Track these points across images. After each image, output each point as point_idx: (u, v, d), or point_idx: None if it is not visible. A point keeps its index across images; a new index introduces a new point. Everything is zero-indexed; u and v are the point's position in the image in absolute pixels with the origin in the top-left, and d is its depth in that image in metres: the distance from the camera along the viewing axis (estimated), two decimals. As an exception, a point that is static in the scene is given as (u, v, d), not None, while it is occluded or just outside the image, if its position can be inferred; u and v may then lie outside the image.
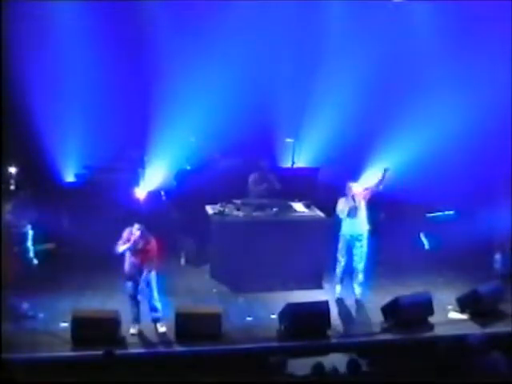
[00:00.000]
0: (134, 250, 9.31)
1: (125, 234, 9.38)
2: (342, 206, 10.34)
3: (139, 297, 9.37)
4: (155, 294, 9.43)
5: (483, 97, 12.55)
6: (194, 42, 12.77)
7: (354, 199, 10.33)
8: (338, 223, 10.54)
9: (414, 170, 12.63)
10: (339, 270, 10.60)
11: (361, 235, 10.40)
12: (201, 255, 11.59)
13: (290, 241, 10.90)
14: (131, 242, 9.29)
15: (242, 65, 12.85)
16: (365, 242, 10.45)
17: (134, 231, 9.32)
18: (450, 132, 12.72)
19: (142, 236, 9.31)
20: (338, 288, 10.66)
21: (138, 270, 9.33)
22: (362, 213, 10.40)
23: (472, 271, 11.48)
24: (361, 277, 10.57)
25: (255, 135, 13.10)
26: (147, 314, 9.46)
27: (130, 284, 9.36)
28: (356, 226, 10.37)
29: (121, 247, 9.31)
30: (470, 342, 7.99)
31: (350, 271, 10.60)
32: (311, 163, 13.66)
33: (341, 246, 10.51)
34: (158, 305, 9.45)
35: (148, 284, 9.37)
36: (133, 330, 9.33)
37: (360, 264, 10.48)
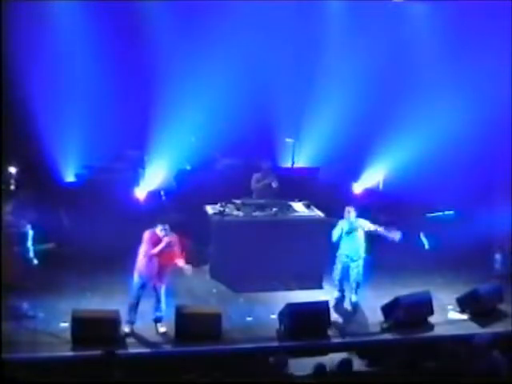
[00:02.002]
0: (160, 252, 9.23)
1: (146, 236, 9.25)
2: (338, 230, 10.32)
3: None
4: (163, 296, 9.41)
5: (483, 97, 12.57)
6: (194, 42, 12.78)
7: (351, 224, 10.27)
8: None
9: (413, 170, 12.65)
10: (336, 288, 10.58)
11: (357, 257, 10.33)
12: (201, 255, 11.58)
13: (290, 241, 10.91)
14: (164, 243, 9.19)
15: (242, 65, 12.86)
16: (361, 263, 10.36)
17: (159, 232, 9.24)
18: (449, 132, 12.73)
19: (168, 236, 9.25)
20: (337, 294, 10.63)
21: (157, 273, 9.26)
22: (361, 239, 10.31)
23: (472, 271, 11.49)
24: (355, 291, 10.50)
25: (255, 135, 13.12)
26: (148, 313, 9.46)
27: (140, 287, 9.29)
28: (353, 248, 10.31)
29: (154, 250, 9.18)
30: (475, 342, 8.00)
31: (347, 285, 10.55)
32: (311, 163, 13.68)
33: (336, 266, 10.47)
34: (164, 306, 9.44)
35: (159, 288, 9.36)
36: (127, 329, 9.29)
37: (356, 283, 10.42)
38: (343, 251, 10.37)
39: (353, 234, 10.27)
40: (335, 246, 10.47)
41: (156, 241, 9.24)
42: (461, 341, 8.42)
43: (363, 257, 10.38)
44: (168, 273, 9.42)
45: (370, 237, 10.50)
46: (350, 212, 10.29)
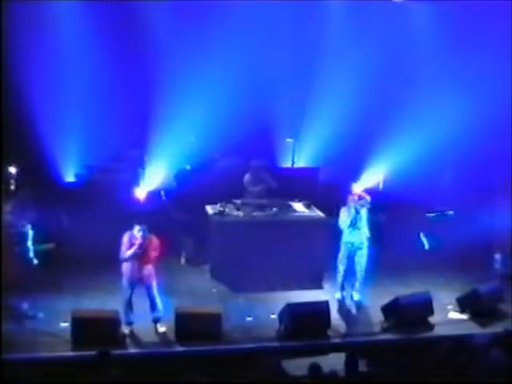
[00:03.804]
0: (138, 253, 9.24)
1: (125, 239, 9.27)
2: (344, 217, 10.35)
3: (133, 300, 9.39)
4: (157, 296, 9.42)
5: (483, 97, 12.55)
6: (194, 42, 12.76)
7: (356, 210, 10.32)
8: (338, 226, 10.54)
9: (413, 170, 12.64)
10: (339, 278, 10.62)
11: (362, 243, 10.44)
12: (201, 255, 11.58)
13: (290, 241, 10.91)
14: (136, 246, 9.20)
15: (241, 65, 12.85)
16: (365, 251, 10.48)
17: (136, 234, 9.25)
18: (449, 132, 12.72)
19: (144, 238, 9.24)
20: (338, 294, 10.67)
21: (139, 274, 9.27)
22: (363, 221, 10.39)
23: (472, 271, 11.49)
24: (358, 284, 10.59)
25: (255, 135, 13.10)
26: (147, 313, 9.46)
27: (128, 288, 9.32)
28: (358, 234, 10.39)
29: (127, 253, 9.21)
30: (475, 341, 8.00)
31: (350, 278, 10.61)
32: (311, 163, 13.67)
33: (341, 254, 10.52)
34: (160, 305, 9.45)
35: (149, 287, 9.37)
36: (126, 330, 9.31)
37: (361, 272, 10.52)
38: (348, 239, 10.42)
39: (357, 222, 10.31)
40: (338, 238, 10.51)
41: (134, 242, 9.26)
42: (461, 341, 8.40)
43: (367, 245, 10.45)
44: (151, 272, 9.39)
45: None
46: (355, 197, 10.36)
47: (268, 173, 11.98)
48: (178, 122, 12.55)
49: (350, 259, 10.50)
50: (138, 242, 9.21)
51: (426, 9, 13.85)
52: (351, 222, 10.32)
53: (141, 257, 9.26)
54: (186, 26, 12.83)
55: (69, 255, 11.04)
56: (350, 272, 10.58)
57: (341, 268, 10.55)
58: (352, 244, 10.43)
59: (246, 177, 11.80)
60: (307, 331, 9.45)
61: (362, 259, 10.47)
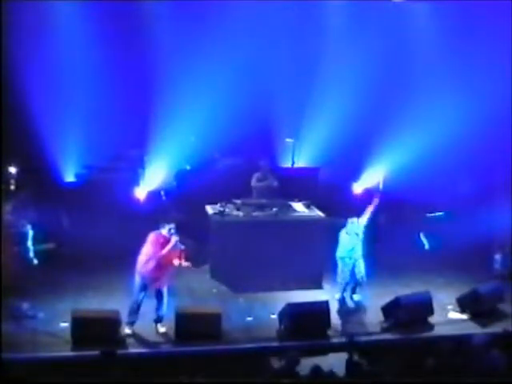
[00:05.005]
0: (168, 252, 9.23)
1: (153, 238, 9.22)
2: (347, 244, 10.30)
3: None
4: (165, 296, 9.41)
5: (483, 97, 12.56)
6: (194, 41, 12.77)
7: (356, 235, 10.32)
8: (337, 225, 10.55)
9: (413, 170, 12.65)
10: (341, 289, 10.55)
11: (359, 256, 10.40)
12: (201, 255, 11.57)
13: (290, 241, 10.91)
14: (174, 242, 9.18)
15: (242, 65, 12.86)
16: (362, 260, 10.42)
17: (165, 232, 9.23)
18: (450, 132, 12.72)
19: (175, 235, 9.26)
20: (338, 294, 10.64)
21: (160, 274, 9.25)
22: (360, 240, 10.37)
23: (472, 271, 11.50)
24: (358, 290, 10.62)
25: (255, 135, 13.10)
26: (147, 313, 9.45)
27: (141, 290, 9.26)
28: (356, 250, 10.37)
29: (164, 250, 9.15)
30: (474, 342, 8.00)
31: (351, 284, 10.60)
32: (311, 163, 13.67)
33: (340, 269, 10.47)
34: (165, 306, 9.44)
35: (162, 288, 9.36)
36: (128, 331, 9.29)
37: (362, 279, 10.49)
38: (346, 254, 10.39)
39: (355, 237, 10.32)
40: (335, 247, 10.49)
41: (163, 242, 9.22)
42: (461, 341, 8.40)
43: (362, 254, 10.44)
44: (170, 273, 9.42)
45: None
46: (354, 222, 10.34)
47: (272, 173, 12.01)
48: (178, 121, 12.56)
49: (352, 272, 10.43)
50: (174, 239, 9.17)
51: (426, 9, 13.86)
52: (353, 247, 10.31)
53: (169, 255, 9.21)
54: (186, 25, 12.84)
55: (69, 255, 11.05)
56: (350, 282, 10.55)
57: (342, 281, 10.50)
58: (349, 258, 10.37)
59: (255, 175, 11.80)
60: (307, 331, 9.45)
61: (360, 269, 10.42)
